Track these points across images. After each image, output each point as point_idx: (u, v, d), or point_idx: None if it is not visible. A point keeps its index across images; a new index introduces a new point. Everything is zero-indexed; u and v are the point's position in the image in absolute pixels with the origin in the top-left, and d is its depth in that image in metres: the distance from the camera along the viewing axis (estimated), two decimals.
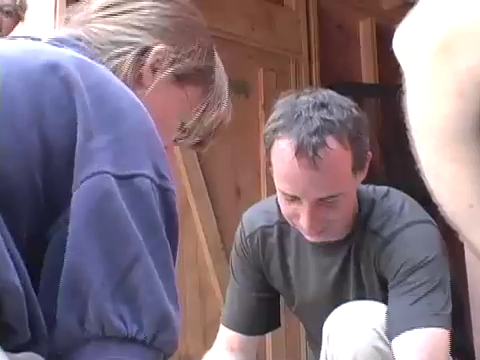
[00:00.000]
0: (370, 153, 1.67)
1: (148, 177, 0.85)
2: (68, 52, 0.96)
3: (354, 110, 1.61)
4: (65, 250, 0.80)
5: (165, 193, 0.87)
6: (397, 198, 1.76)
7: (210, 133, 1.22)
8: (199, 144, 1.24)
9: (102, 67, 0.95)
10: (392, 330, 1.58)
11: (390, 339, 1.58)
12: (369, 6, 4.16)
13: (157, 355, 0.84)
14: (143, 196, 0.84)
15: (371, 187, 1.78)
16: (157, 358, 0.84)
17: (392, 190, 1.78)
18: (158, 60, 1.12)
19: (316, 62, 3.78)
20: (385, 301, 1.68)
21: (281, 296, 1.94)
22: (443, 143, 0.61)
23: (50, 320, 0.80)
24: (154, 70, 1.12)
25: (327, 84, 2.79)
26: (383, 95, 3.99)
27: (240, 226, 1.91)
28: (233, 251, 1.95)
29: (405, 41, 0.64)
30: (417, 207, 1.73)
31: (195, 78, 1.17)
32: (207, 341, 2.06)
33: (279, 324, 1.98)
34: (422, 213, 1.69)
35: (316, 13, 3.86)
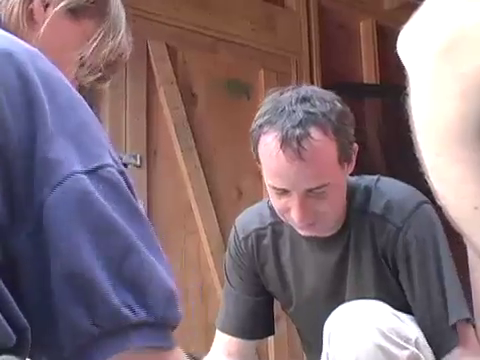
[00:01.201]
0: (356, 145, 1.69)
1: (111, 165, 0.85)
2: (14, 38, 0.93)
3: (337, 103, 1.64)
4: (44, 258, 0.79)
5: (124, 176, 0.87)
6: (390, 181, 1.80)
7: (109, 65, 1.19)
8: (100, 79, 1.21)
9: (43, 56, 0.91)
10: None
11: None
12: (370, 6, 4.16)
13: (167, 331, 0.86)
14: (115, 185, 0.85)
15: (361, 177, 1.80)
16: (168, 333, 0.86)
17: (382, 177, 1.81)
18: None
19: (317, 63, 3.78)
20: (386, 288, 1.72)
21: (276, 301, 1.95)
22: (447, 145, 0.60)
23: (48, 327, 0.80)
24: (46, 5, 1.11)
25: (328, 84, 2.79)
26: (384, 95, 3.99)
27: (233, 230, 1.92)
28: (227, 255, 1.95)
29: (409, 43, 0.64)
30: (413, 188, 1.76)
31: (90, 10, 1.15)
32: (209, 342, 2.05)
33: (274, 331, 1.98)
34: (419, 193, 1.73)
35: (317, 14, 3.87)
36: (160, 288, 0.84)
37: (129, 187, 0.87)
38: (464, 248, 1.76)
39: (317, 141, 1.56)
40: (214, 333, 1.99)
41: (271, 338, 2.96)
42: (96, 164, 0.84)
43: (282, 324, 2.84)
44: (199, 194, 3.16)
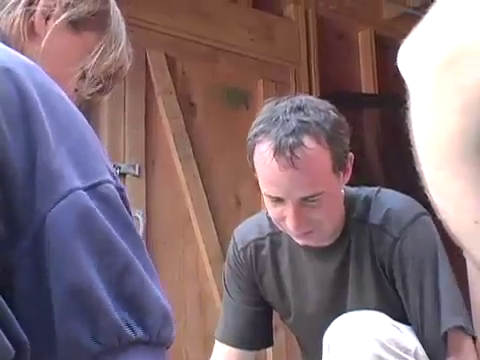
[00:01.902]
0: (351, 154, 1.70)
1: (110, 181, 0.85)
2: (11, 52, 0.92)
3: (332, 112, 1.65)
4: (43, 273, 0.79)
5: (122, 193, 0.87)
6: (391, 193, 1.81)
7: (109, 77, 1.19)
8: (100, 91, 1.21)
9: (41, 70, 0.91)
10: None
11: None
12: (368, 16, 4.17)
13: (162, 349, 0.86)
14: (112, 202, 0.84)
15: (361, 188, 1.81)
16: (162, 352, 0.86)
17: (383, 188, 1.82)
18: (49, 6, 1.10)
19: (316, 72, 3.78)
20: (386, 298, 1.73)
21: (275, 312, 1.95)
22: (448, 159, 0.60)
23: (44, 343, 0.80)
24: (47, 18, 1.10)
25: (327, 94, 2.80)
26: (382, 105, 4.00)
27: (232, 241, 1.93)
28: (226, 266, 1.96)
29: (410, 56, 0.64)
30: (412, 200, 1.77)
31: (91, 23, 1.15)
32: (207, 352, 2.05)
33: (272, 342, 1.98)
34: (419, 205, 1.74)
35: (315, 24, 3.87)
36: (157, 308, 0.84)
37: (125, 203, 0.87)
38: (463, 261, 1.76)
39: (310, 150, 1.57)
40: (213, 343, 1.98)
41: (269, 348, 2.96)
42: (95, 180, 0.84)
43: (280, 334, 2.83)
44: (198, 203, 3.15)
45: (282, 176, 1.59)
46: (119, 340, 0.80)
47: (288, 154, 1.56)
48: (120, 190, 0.87)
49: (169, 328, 0.86)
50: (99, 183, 0.84)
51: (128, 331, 0.80)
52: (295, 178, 1.58)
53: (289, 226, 1.64)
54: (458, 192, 0.60)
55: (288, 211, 1.63)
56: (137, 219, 2.89)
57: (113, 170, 0.89)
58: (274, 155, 1.57)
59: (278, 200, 1.63)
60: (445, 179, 0.61)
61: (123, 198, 0.87)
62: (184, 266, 3.11)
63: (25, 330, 0.79)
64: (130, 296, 0.82)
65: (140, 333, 0.81)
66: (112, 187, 0.85)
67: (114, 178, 0.87)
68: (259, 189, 2.81)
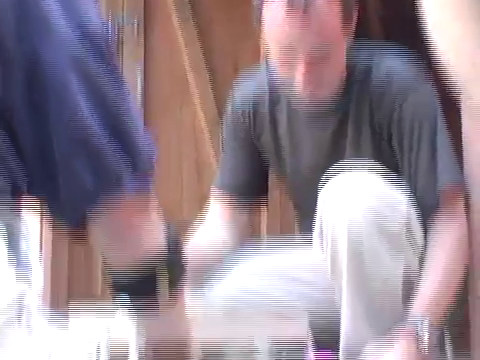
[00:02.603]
0: (357, 7, 1.70)
1: (99, 25, 0.87)
2: None
3: None
4: (41, 111, 0.81)
5: (108, 40, 0.89)
6: (391, 56, 1.78)
7: None
8: None
9: None
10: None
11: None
12: None
13: (149, 177, 0.91)
14: (101, 46, 0.86)
15: (361, 49, 1.79)
16: (150, 180, 0.91)
17: (383, 49, 1.80)
18: None
19: None
20: (380, 159, 1.74)
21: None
22: (450, 0, 0.60)
23: (47, 177, 0.83)
24: None
25: None
26: None
27: (231, 97, 1.93)
28: (224, 124, 1.97)
29: None
30: (414, 65, 1.75)
31: None
32: (203, 211, 2.08)
33: (267, 191, 1.99)
34: (420, 71, 1.73)
35: None
36: (146, 147, 0.88)
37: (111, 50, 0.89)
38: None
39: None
40: (208, 204, 2.00)
41: (264, 208, 3.00)
42: (86, 24, 0.84)
43: (275, 193, 2.87)
44: (195, 66, 3.12)
45: (295, 25, 1.61)
46: (117, 180, 0.84)
47: (302, 2, 1.58)
48: (106, 37, 0.88)
49: (153, 159, 0.90)
50: (88, 26, 0.85)
51: (124, 170, 0.84)
52: (307, 27, 1.61)
53: (298, 82, 1.65)
54: (458, 34, 0.60)
55: (298, 68, 1.64)
56: (135, 74, 2.89)
57: (102, 18, 0.90)
58: (288, 3, 1.59)
59: (288, 52, 1.64)
60: (447, 20, 0.61)
61: (108, 44, 0.88)
62: (181, 129, 3.11)
63: (29, 165, 0.81)
64: (124, 136, 0.85)
65: (130, 171, 0.85)
66: (101, 31, 0.86)
67: (102, 24, 0.88)
68: (258, 52, 2.77)
